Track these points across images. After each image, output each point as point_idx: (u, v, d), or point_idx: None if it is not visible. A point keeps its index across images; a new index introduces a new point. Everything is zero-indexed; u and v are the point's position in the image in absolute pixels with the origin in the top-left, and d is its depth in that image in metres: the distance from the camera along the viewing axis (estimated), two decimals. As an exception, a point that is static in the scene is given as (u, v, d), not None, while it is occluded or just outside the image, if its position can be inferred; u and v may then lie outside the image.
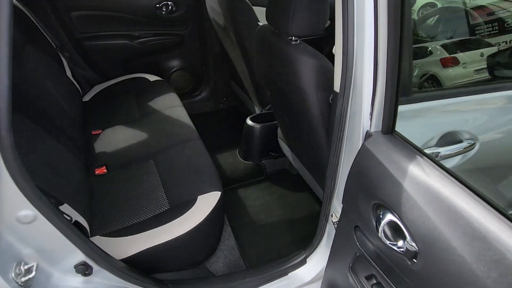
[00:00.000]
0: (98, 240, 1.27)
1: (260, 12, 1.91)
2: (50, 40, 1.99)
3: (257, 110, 2.25)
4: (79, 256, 0.95)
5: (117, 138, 1.79)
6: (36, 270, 0.86)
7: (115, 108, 2.01)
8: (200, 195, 1.40)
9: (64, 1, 2.08)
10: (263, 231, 1.77)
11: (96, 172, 1.58)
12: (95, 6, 2.14)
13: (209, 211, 1.36)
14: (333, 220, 1.25)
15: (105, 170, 1.59)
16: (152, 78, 2.25)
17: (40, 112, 1.40)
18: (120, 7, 2.18)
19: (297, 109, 1.37)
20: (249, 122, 2.05)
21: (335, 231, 1.25)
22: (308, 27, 1.19)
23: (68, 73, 2.01)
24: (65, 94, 1.76)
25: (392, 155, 0.84)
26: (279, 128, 1.95)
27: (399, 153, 0.83)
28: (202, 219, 1.33)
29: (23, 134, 1.20)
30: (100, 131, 1.85)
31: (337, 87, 1.00)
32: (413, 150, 0.83)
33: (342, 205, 1.09)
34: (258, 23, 1.85)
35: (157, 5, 2.23)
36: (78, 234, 0.92)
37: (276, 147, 2.01)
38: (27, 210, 0.82)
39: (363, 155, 0.93)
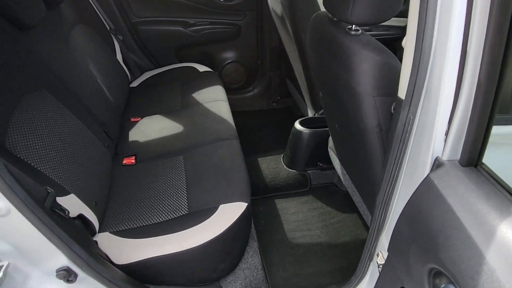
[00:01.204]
0: (106, 237, 1.15)
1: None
2: (104, 22, 1.96)
3: (310, 113, 2.01)
4: (62, 260, 0.82)
5: (153, 128, 1.69)
6: (4, 272, 0.74)
7: (158, 97, 1.92)
8: (223, 203, 1.22)
9: (123, -16, 2.05)
10: (295, 253, 1.54)
11: (124, 162, 1.49)
12: (153, -11, 2.08)
13: (230, 224, 1.17)
14: (378, 262, 0.98)
15: (133, 161, 1.49)
16: (202, 68, 2.14)
17: (71, 92, 1.33)
18: (177, -8, 2.09)
19: (349, 116, 1.11)
20: (297, 126, 1.82)
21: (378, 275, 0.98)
22: (374, 13, 0.93)
23: (119, 57, 1.97)
24: (109, 77, 1.71)
25: (472, 200, 0.56)
26: (330, 136, 1.69)
27: (485, 198, 0.55)
28: (220, 232, 1.15)
29: (42, 113, 1.12)
30: (139, 118, 1.78)
31: (402, 92, 0.74)
32: (510, 197, 0.54)
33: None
34: (319, 13, 1.61)
35: (215, -8, 2.10)
36: (61, 234, 0.79)
37: (325, 157, 1.76)
38: (0, 201, 0.71)
39: (426, 191, 0.65)
